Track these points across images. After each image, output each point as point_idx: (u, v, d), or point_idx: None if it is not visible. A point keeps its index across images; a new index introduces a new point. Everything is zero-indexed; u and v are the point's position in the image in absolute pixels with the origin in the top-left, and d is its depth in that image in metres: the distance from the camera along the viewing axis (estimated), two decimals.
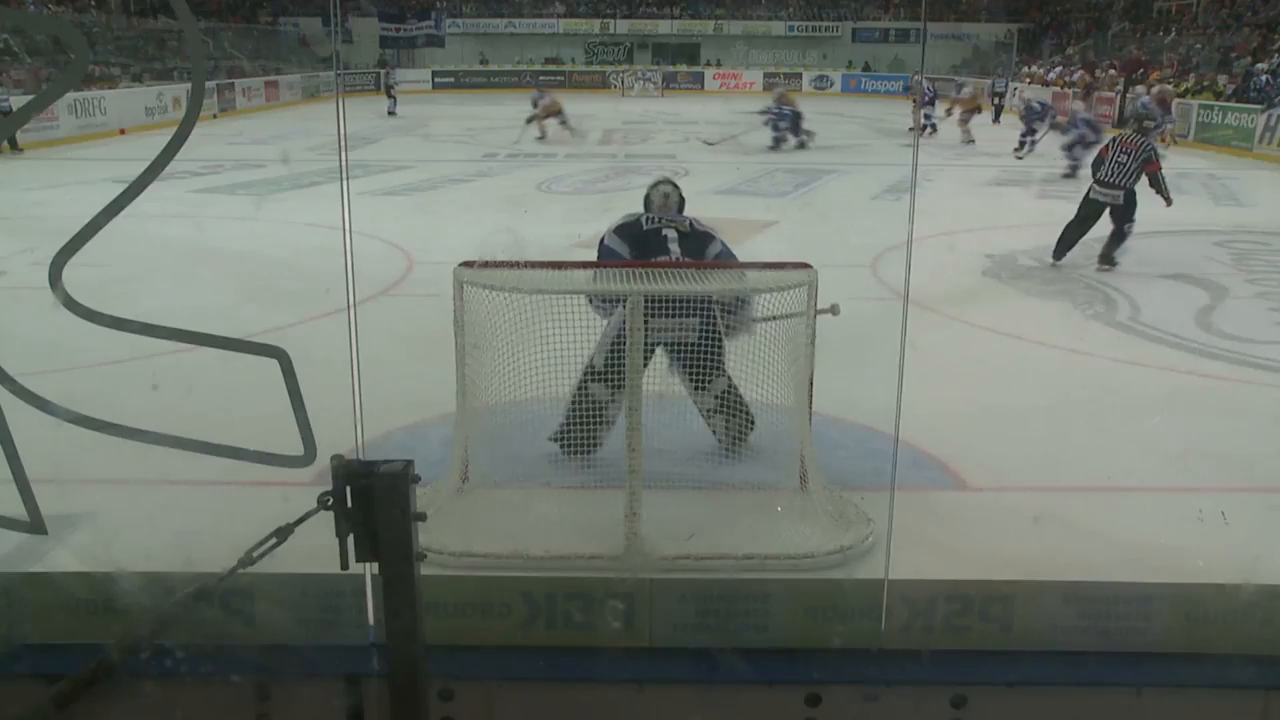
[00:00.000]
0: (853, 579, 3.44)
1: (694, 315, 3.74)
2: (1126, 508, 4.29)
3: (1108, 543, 3.88)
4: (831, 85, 36.42)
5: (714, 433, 4.37)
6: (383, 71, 26.32)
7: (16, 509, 3.40)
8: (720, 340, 4.02)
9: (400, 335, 6.29)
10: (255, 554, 2.49)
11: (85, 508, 3.98)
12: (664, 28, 40.38)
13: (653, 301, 3.66)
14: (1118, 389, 5.82)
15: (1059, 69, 29.38)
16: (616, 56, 39.33)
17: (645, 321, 3.62)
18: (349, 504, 2.47)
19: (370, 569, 2.60)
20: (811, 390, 3.98)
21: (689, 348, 4.00)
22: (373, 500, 2.45)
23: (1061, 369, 6.20)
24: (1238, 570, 3.39)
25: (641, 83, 34.09)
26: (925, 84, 22.78)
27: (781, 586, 3.16)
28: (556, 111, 19.08)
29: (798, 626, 3.07)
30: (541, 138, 18.75)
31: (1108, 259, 8.56)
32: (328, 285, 6.59)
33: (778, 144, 17.62)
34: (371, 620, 2.97)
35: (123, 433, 3.15)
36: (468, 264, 4.04)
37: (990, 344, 6.70)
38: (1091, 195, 8.51)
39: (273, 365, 2.94)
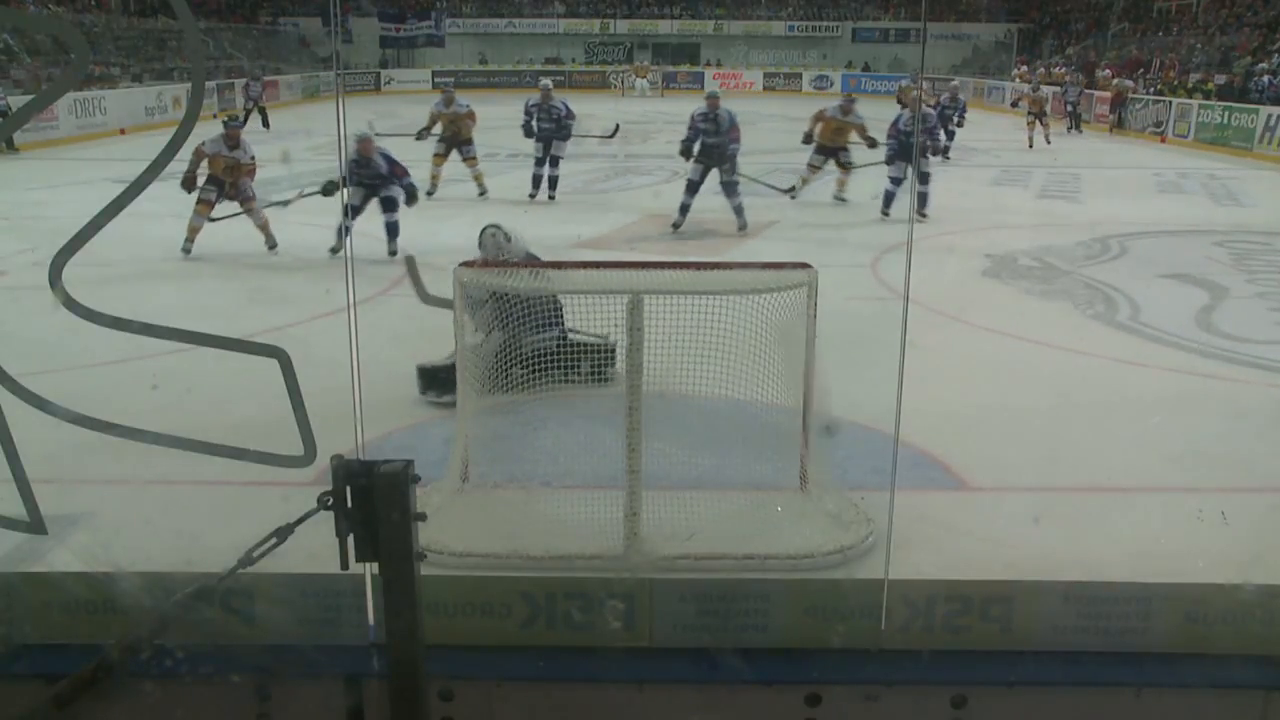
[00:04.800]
0: (853, 579, 3.44)
1: (555, 324, 4.32)
2: (1126, 508, 4.29)
3: (1108, 543, 3.88)
4: (831, 85, 36.35)
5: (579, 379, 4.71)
6: (246, 83, 21.64)
7: (16, 509, 3.40)
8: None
9: (400, 335, 6.29)
10: (255, 554, 2.50)
11: (85, 508, 3.98)
12: (664, 28, 40.37)
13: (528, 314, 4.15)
14: (1118, 389, 5.83)
15: (1059, 69, 29.38)
16: (616, 56, 39.32)
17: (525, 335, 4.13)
18: (349, 504, 2.47)
19: (370, 569, 2.60)
20: (812, 390, 3.99)
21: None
22: (373, 500, 2.45)
23: (1061, 369, 6.20)
24: (1238, 570, 3.39)
25: (642, 84, 34.08)
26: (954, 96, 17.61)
27: (781, 586, 3.15)
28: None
29: (798, 626, 3.07)
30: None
31: None
32: (328, 285, 6.62)
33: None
34: (371, 620, 2.97)
35: (123, 433, 3.15)
36: (468, 264, 4.05)
37: (990, 344, 6.70)
38: None
39: (273, 365, 2.93)
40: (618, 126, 13.82)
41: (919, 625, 3.06)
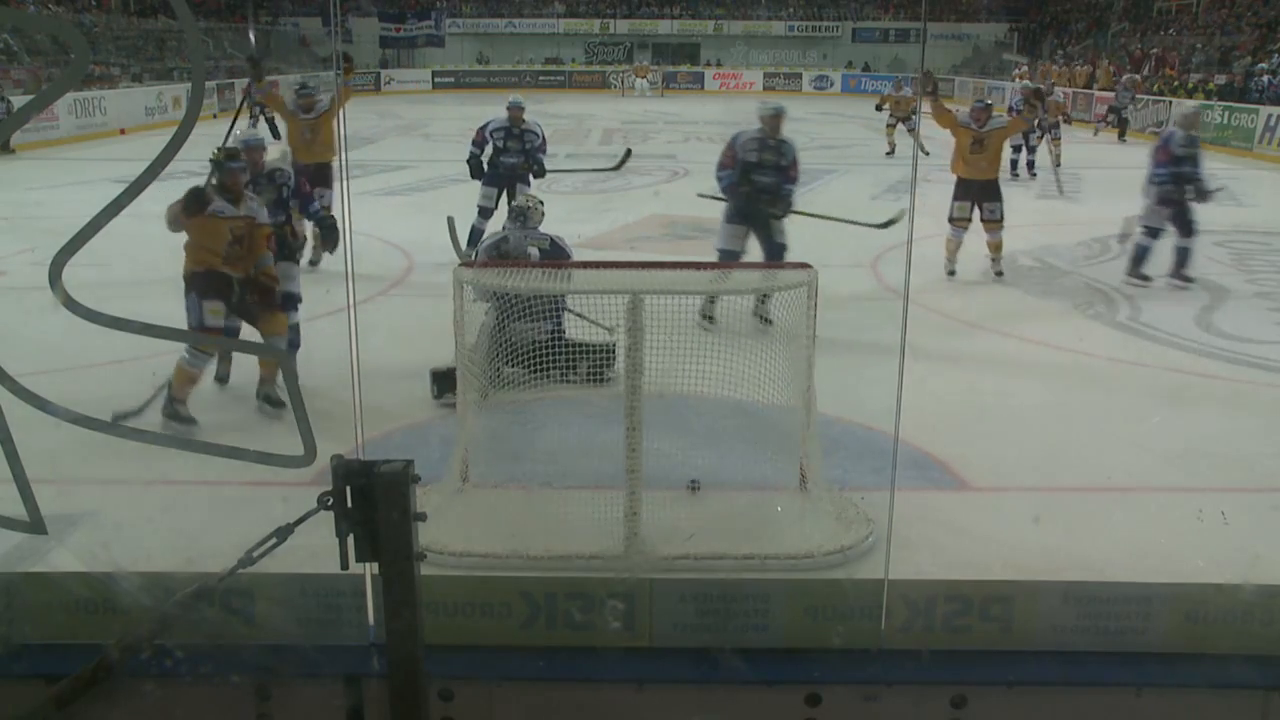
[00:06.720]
0: (853, 579, 3.44)
1: (549, 319, 4.32)
2: (1126, 508, 4.29)
3: (1108, 543, 3.88)
4: (831, 85, 36.37)
5: (577, 379, 4.73)
6: (249, 83, 20.70)
7: (16, 509, 3.40)
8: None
9: (400, 335, 6.29)
10: (255, 554, 2.50)
11: (85, 508, 3.98)
12: (664, 28, 40.37)
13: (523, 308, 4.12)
14: (1118, 389, 5.83)
15: (1057, 69, 29.36)
16: (616, 56, 39.32)
17: (512, 323, 4.06)
18: (349, 504, 2.47)
19: (370, 569, 2.60)
20: (813, 390, 3.99)
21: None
22: (373, 500, 2.45)
23: (1061, 369, 6.20)
24: (1238, 570, 3.39)
25: (642, 84, 34.06)
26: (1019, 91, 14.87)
27: (781, 586, 3.16)
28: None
29: (798, 626, 3.07)
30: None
31: None
32: (328, 285, 6.61)
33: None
34: (371, 620, 2.97)
35: (123, 433, 3.15)
36: (467, 264, 4.05)
37: (990, 344, 6.70)
38: None
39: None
40: (629, 152, 11.23)
41: (919, 625, 3.06)
